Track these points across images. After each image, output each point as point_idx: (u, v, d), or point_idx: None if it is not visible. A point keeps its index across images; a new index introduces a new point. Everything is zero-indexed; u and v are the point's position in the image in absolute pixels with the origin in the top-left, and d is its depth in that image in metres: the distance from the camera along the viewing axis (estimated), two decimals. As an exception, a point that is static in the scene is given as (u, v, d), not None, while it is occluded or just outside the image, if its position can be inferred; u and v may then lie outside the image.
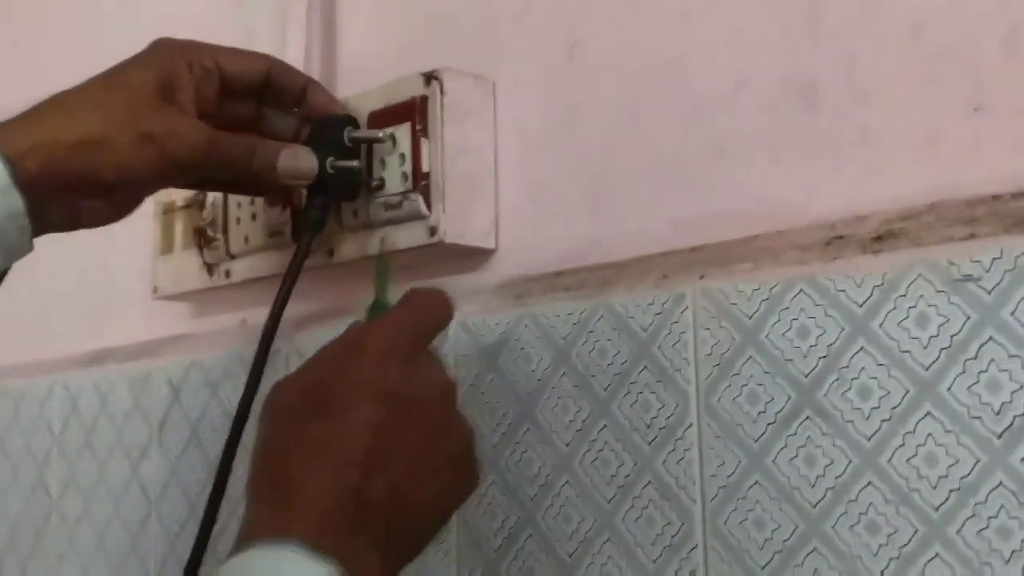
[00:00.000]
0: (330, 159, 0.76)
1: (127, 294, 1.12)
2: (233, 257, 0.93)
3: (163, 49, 0.72)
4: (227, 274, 0.94)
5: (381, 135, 0.79)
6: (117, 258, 1.13)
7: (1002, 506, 0.56)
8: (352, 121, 0.79)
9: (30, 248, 0.67)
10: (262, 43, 0.95)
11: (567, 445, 0.73)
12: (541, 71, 0.80)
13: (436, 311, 0.66)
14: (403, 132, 0.79)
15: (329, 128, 0.78)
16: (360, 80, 0.91)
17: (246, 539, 0.57)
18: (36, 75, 1.20)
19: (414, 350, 0.63)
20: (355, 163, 0.78)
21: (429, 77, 0.79)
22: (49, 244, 0.69)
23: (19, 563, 1.19)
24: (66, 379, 1.16)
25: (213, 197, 0.95)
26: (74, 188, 0.67)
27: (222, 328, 1.01)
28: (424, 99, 0.79)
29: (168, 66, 0.70)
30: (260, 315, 0.99)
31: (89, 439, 1.12)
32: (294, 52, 0.90)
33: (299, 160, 0.74)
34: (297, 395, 0.62)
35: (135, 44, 0.72)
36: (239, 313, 1.00)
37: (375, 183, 0.80)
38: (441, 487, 0.62)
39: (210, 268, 0.96)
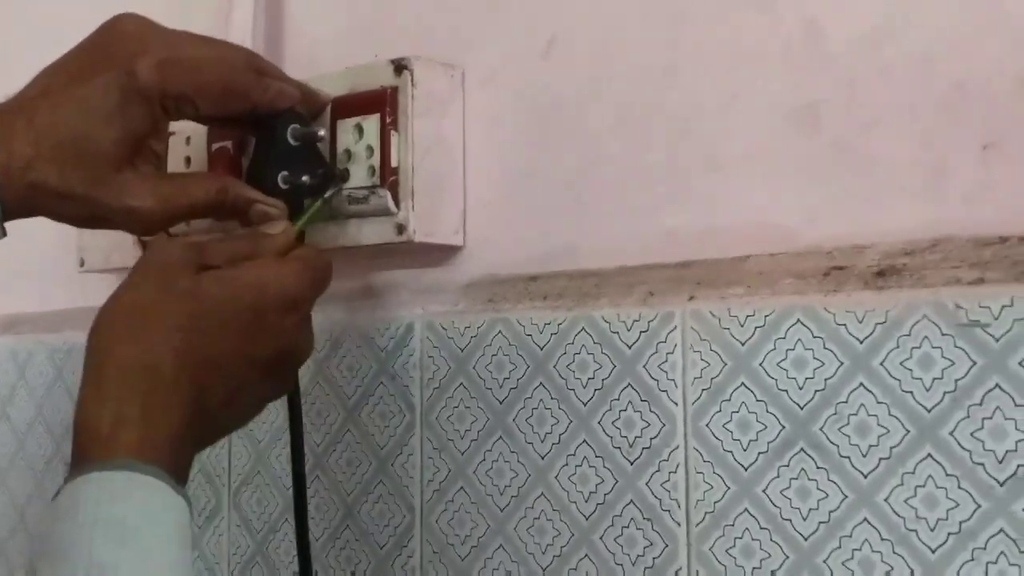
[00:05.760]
0: (282, 174, 0.71)
1: (46, 258, 1.06)
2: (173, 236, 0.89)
3: (138, 77, 0.65)
4: (166, 253, 0.89)
5: (321, 133, 0.75)
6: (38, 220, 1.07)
7: (1002, 552, 0.56)
8: (298, 117, 0.73)
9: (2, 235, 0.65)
10: (203, 16, 0.90)
11: (543, 457, 0.72)
12: (515, 63, 0.76)
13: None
14: (371, 124, 0.76)
15: (275, 127, 0.72)
16: (311, 62, 0.86)
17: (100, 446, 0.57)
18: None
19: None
20: (305, 178, 0.73)
21: (399, 67, 0.75)
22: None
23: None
24: (-24, 344, 1.11)
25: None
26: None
27: (155, 303, 0.97)
28: (395, 90, 0.75)
29: (138, 116, 0.65)
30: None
31: (5, 410, 1.07)
32: (239, 31, 0.85)
33: (272, 224, 0.70)
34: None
35: None
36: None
37: (338, 172, 0.76)
38: (264, 394, 0.66)
39: (146, 245, 0.91)
